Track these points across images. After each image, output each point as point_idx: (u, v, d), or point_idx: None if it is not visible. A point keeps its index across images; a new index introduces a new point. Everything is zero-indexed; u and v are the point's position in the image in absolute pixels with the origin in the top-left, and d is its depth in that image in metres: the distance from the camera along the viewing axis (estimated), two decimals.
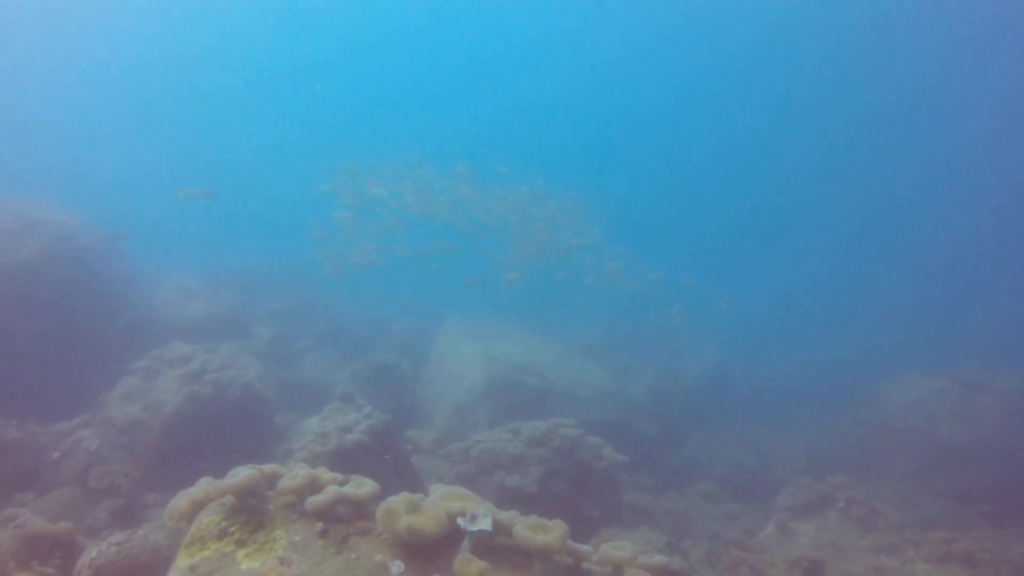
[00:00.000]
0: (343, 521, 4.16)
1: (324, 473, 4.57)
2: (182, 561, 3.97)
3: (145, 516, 8.45)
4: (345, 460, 8.18)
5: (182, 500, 4.27)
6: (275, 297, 22.81)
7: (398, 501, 4.04)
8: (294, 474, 4.40)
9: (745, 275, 46.33)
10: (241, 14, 59.62)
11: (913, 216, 49.94)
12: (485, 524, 3.95)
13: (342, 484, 4.42)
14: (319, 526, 4.07)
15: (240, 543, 3.99)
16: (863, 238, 51.72)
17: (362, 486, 4.32)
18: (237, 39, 61.62)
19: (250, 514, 4.17)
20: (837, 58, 44.12)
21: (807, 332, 34.12)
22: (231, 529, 4.07)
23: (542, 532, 4.01)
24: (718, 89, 52.26)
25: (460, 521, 3.97)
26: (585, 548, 4.10)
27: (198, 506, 4.28)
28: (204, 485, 4.36)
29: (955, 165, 45.89)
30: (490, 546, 4.11)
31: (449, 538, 3.98)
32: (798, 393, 22.41)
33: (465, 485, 9.06)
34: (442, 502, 4.20)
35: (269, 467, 4.54)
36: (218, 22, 60.20)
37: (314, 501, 4.11)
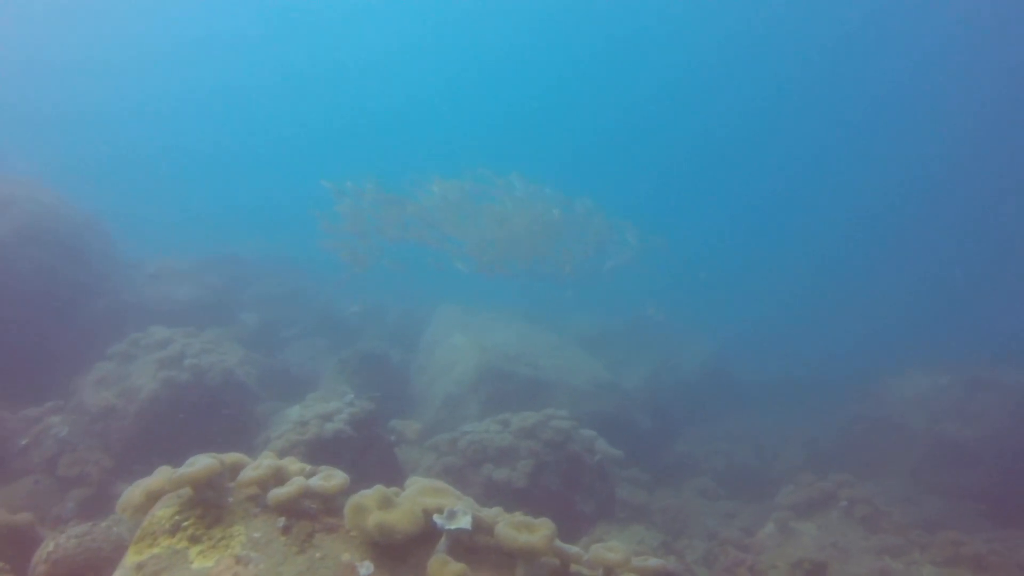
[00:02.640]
0: (309, 516, 3.81)
1: (291, 463, 4.20)
2: (130, 558, 3.64)
3: (115, 507, 8.04)
4: (324, 450, 7.81)
5: (136, 491, 3.93)
6: (264, 284, 22.28)
7: (369, 495, 3.68)
8: (257, 464, 4.04)
9: (743, 269, 45.86)
10: (244, 13, 59.17)
11: (916, 209, 49.48)
12: (464, 522, 3.59)
13: (309, 476, 4.06)
14: (282, 521, 3.71)
15: (194, 539, 3.63)
16: (862, 230, 51.35)
17: (331, 478, 3.94)
18: (239, 37, 60.96)
19: (207, 507, 3.82)
20: (843, 50, 43.55)
21: (805, 325, 33.87)
22: (185, 524, 3.71)
23: (527, 531, 3.65)
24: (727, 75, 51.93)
25: (436, 518, 3.61)
26: (574, 549, 3.74)
27: (153, 497, 3.93)
28: (161, 475, 4.00)
29: (959, 158, 45.40)
30: (469, 546, 3.76)
31: (425, 537, 3.64)
32: (796, 386, 22.06)
33: (451, 478, 8.72)
34: (418, 497, 3.84)
35: (231, 456, 4.17)
36: (218, 18, 59.67)
37: (276, 494, 3.74)
